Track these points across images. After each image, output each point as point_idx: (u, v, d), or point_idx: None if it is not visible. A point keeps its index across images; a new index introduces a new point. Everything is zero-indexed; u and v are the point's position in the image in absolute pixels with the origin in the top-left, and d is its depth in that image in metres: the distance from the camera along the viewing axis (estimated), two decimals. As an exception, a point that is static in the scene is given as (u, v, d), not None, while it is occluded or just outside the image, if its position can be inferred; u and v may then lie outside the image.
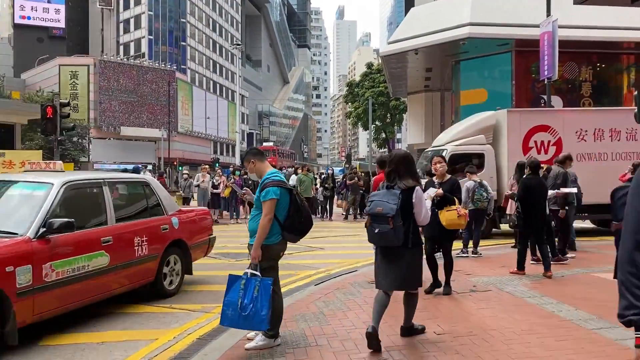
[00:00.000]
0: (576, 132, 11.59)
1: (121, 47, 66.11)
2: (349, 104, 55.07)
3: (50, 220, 4.55)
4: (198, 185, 15.93)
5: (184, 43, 67.82)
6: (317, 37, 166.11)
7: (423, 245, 4.72)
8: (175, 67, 62.50)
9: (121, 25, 66.95)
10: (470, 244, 8.87)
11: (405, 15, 25.99)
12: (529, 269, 7.25)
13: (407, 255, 4.15)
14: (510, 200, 9.17)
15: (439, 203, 5.87)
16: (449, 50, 20.45)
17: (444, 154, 10.93)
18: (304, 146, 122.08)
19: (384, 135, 53.18)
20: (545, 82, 15.73)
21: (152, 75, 58.05)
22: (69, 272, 4.69)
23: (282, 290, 6.43)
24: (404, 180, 4.17)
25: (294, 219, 4.17)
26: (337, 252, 10.14)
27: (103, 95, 54.49)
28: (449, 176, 6.35)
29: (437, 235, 6.00)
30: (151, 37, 64.85)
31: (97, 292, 5.18)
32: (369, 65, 52.57)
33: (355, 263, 8.40)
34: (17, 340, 4.18)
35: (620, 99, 20.12)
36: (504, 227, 11.55)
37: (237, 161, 43.70)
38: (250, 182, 13.51)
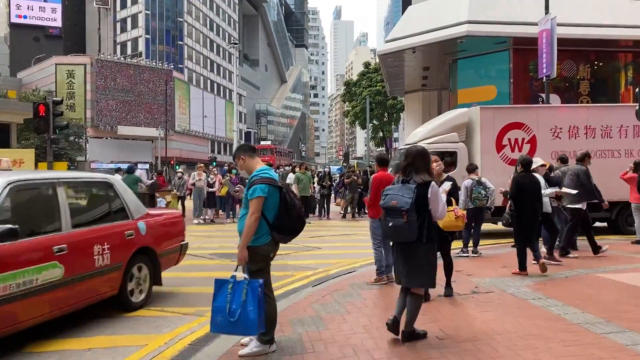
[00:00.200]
0: (551, 130, 11.36)
1: (118, 46, 65.88)
2: (347, 103, 55.03)
3: None
4: (194, 184, 15.72)
5: (181, 42, 67.60)
6: (314, 36, 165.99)
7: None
8: (172, 66, 62.33)
9: (118, 25, 66.71)
10: (470, 243, 8.69)
11: (403, 14, 25.82)
12: (531, 269, 7.08)
13: (421, 250, 4.11)
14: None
15: None
16: (447, 48, 20.27)
17: None
18: (302, 145, 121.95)
19: (381, 134, 53.22)
20: (544, 80, 15.58)
21: (149, 75, 57.88)
22: (11, 287, 4.03)
23: (279, 292, 6.28)
24: (420, 174, 4.16)
25: (283, 218, 3.96)
26: (335, 252, 9.95)
27: (100, 95, 54.29)
28: (445, 175, 6.18)
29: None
30: (148, 36, 64.62)
31: (50, 310, 4.51)
32: (367, 65, 52.57)
33: (354, 263, 8.21)
34: None
35: (617, 97, 19.99)
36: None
37: (235, 160, 43.51)
38: (246, 180, 13.30)
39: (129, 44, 65.73)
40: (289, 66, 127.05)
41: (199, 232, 13.64)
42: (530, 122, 11.36)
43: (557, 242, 8.29)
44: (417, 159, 4.22)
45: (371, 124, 48.08)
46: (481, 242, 8.96)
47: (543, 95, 16.23)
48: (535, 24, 15.71)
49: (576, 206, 8.38)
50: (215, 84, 76.92)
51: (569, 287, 6.20)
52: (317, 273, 7.59)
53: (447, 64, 21.97)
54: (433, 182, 4.19)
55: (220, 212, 16.93)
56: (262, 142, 71.79)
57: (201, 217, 15.70)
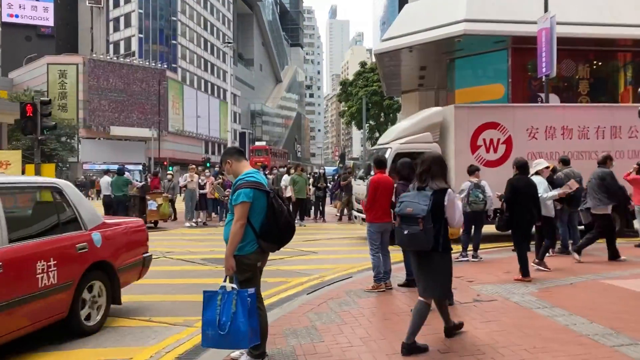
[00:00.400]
0: (527, 130, 11.09)
1: (111, 46, 65.35)
2: (343, 103, 54.81)
3: None
4: (186, 186, 15.39)
5: (174, 41, 67.14)
6: (309, 36, 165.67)
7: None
8: (165, 66, 61.87)
9: (111, 24, 66.17)
10: (470, 247, 8.45)
11: (399, 13, 25.58)
12: (535, 275, 6.83)
13: (437, 259, 4.02)
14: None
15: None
16: (444, 47, 20.05)
17: (388, 153, 10.43)
18: (298, 146, 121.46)
19: (377, 135, 52.97)
20: (543, 79, 15.38)
21: (142, 74, 57.42)
22: None
23: (272, 300, 6.02)
24: (436, 181, 4.06)
25: (270, 225, 3.69)
26: (330, 257, 9.67)
27: (92, 95, 53.81)
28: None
29: None
30: (141, 35, 64.12)
31: None
32: (363, 64, 52.35)
33: (350, 268, 7.95)
34: None
35: (617, 97, 19.85)
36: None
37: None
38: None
39: (121, 43, 65.23)
40: (284, 66, 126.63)
41: (191, 235, 13.35)
42: (505, 122, 11.04)
43: (551, 250, 8.12)
44: (433, 165, 4.11)
45: (367, 124, 47.89)
46: (481, 245, 8.71)
47: (542, 95, 16.02)
48: (534, 23, 15.49)
49: (603, 212, 8.09)
50: (209, 84, 76.48)
51: (575, 295, 5.96)
52: (312, 279, 7.34)
53: (445, 63, 21.76)
54: (449, 190, 4.07)
55: (213, 214, 16.63)
56: (257, 143, 71.39)
57: (193, 220, 15.40)
